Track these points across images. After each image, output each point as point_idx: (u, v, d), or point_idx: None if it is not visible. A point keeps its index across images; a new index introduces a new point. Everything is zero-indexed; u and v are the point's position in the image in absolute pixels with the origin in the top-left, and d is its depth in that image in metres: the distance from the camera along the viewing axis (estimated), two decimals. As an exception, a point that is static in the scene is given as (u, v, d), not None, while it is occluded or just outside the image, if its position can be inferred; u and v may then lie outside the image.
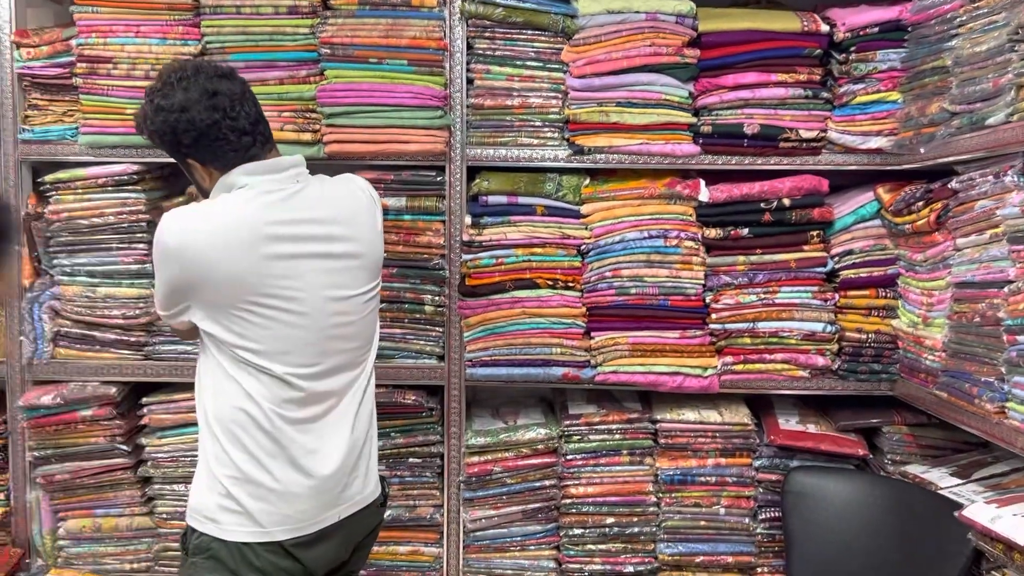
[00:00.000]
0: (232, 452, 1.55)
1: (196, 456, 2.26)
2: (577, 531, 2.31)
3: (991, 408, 1.74)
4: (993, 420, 1.74)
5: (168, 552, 2.37)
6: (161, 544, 2.37)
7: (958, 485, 2.00)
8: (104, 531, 2.36)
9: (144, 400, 2.33)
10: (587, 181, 2.27)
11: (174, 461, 2.33)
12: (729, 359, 2.25)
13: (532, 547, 2.33)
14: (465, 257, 2.26)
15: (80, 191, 2.26)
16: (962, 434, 2.12)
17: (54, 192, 2.27)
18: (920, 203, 2.03)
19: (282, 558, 1.55)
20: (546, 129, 2.25)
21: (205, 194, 1.62)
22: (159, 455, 2.33)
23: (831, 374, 2.26)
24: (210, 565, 1.54)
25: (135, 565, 2.38)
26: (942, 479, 2.06)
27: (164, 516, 2.36)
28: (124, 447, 2.31)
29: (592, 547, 2.31)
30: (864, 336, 2.23)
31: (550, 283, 2.25)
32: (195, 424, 2.26)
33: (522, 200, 2.25)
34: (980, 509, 1.70)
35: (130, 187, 2.26)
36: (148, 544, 2.38)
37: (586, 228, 2.25)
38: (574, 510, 2.30)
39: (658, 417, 2.30)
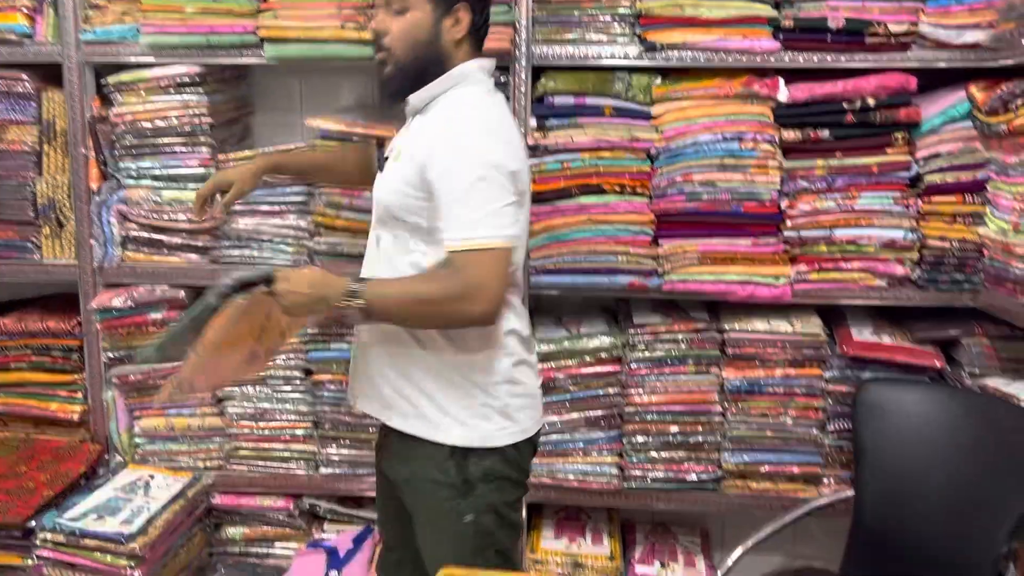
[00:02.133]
0: (498, 359, 1.59)
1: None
2: (640, 439, 2.30)
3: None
4: (1089, 330, 1.66)
5: (239, 451, 2.43)
6: (232, 444, 2.43)
7: (1042, 399, 1.93)
8: (177, 430, 2.43)
9: (212, 304, 2.35)
10: (659, 80, 2.17)
11: (242, 364, 2.37)
12: (803, 267, 2.17)
13: (595, 453, 2.33)
14: (530, 161, 2.20)
15: (143, 93, 2.24)
16: (1049, 347, 2.03)
17: (117, 94, 2.25)
18: (1019, 101, 1.90)
19: (529, 458, 1.68)
20: (616, 24, 2.14)
21: (427, 48, 1.56)
22: (228, 358, 2.37)
23: (910, 284, 2.17)
24: (496, 486, 1.59)
25: (207, 463, 2.44)
26: (1024, 392, 1.99)
27: (234, 417, 2.41)
28: (194, 349, 2.35)
29: (655, 455, 2.30)
30: (948, 244, 2.12)
31: (617, 189, 2.18)
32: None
33: (590, 101, 2.16)
34: (1069, 421, 1.64)
35: (192, 89, 2.23)
36: (219, 443, 2.44)
37: (656, 130, 2.17)
38: (637, 418, 2.28)
39: (726, 327, 2.25)
